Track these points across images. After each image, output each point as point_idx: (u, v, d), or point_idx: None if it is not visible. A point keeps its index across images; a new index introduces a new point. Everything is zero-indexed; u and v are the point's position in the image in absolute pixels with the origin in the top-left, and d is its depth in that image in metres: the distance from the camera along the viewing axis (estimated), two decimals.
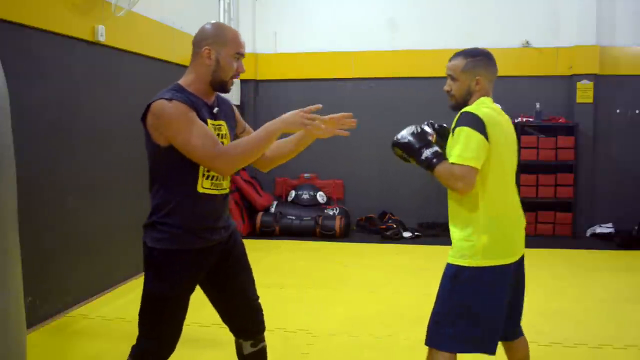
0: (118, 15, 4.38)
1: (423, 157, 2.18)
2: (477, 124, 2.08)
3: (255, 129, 2.14)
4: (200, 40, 2.05)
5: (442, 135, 2.32)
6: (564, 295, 4.42)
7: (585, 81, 6.58)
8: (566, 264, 5.40)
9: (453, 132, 2.14)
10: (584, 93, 6.58)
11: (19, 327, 1.74)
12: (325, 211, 6.88)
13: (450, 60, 2.28)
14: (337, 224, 6.63)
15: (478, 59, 2.24)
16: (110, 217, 4.41)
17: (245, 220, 6.82)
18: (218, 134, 2.04)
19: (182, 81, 2.07)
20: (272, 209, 6.96)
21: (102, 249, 4.37)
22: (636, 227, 6.14)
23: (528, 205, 6.67)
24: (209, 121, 2.03)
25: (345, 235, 6.67)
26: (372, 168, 7.09)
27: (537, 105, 6.58)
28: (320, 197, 7.09)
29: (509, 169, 2.22)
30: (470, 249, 2.12)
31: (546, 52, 6.72)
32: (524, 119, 6.60)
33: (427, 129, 2.27)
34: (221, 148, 1.94)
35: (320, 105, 2.05)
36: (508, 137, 2.22)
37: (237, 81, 6.98)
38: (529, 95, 6.67)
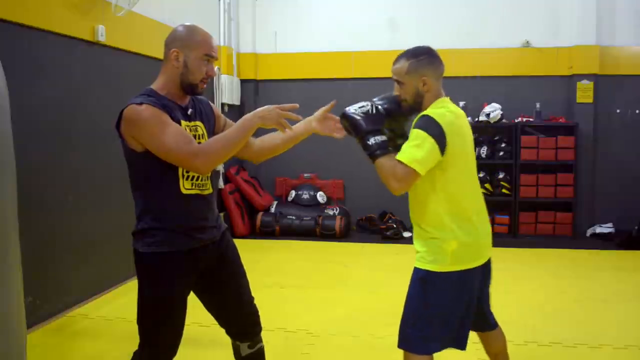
0: (118, 15, 4.39)
1: (369, 142, 2.12)
2: (434, 129, 2.03)
3: None
4: (170, 42, 2.04)
5: (395, 118, 2.22)
6: (564, 295, 4.42)
7: (585, 81, 6.57)
8: (566, 264, 5.39)
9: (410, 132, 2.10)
10: (584, 93, 6.58)
11: (19, 327, 1.74)
12: (325, 211, 6.88)
13: (393, 63, 2.22)
14: (337, 224, 6.62)
15: (421, 58, 2.17)
16: (110, 217, 4.41)
17: (245, 220, 6.82)
18: (195, 135, 2.03)
19: (154, 85, 2.07)
20: (272, 209, 6.96)
21: (102, 248, 4.37)
22: (636, 227, 6.13)
23: (528, 205, 6.76)
24: (183, 122, 2.01)
25: (345, 235, 6.67)
26: (372, 168, 7.00)
27: (537, 105, 6.57)
28: (320, 197, 7.08)
29: (471, 172, 2.20)
30: (439, 254, 2.11)
31: (546, 52, 6.71)
32: (524, 119, 6.59)
33: (380, 112, 2.15)
34: (196, 147, 1.93)
35: (297, 105, 2.04)
36: (467, 140, 2.20)
37: (237, 81, 6.99)
38: (529, 95, 6.65)
